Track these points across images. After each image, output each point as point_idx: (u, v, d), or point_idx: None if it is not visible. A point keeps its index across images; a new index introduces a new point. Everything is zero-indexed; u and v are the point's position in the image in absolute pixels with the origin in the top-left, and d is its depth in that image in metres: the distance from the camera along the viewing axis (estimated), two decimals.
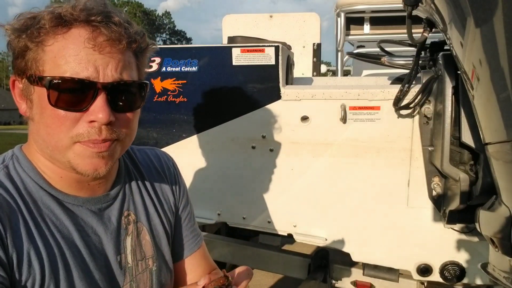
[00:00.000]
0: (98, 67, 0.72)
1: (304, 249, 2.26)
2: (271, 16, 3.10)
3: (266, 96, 1.63)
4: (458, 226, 1.54)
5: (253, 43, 1.66)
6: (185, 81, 1.67)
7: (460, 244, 1.59)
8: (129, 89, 0.77)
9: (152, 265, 0.92)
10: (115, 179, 0.89)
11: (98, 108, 0.73)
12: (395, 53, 1.83)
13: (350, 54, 2.49)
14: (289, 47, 1.81)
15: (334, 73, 4.48)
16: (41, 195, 0.78)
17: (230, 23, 3.10)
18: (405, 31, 1.40)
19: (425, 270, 1.62)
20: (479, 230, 1.05)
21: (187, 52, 1.67)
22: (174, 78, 1.66)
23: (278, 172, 1.68)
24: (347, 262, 1.88)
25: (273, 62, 1.61)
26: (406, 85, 1.48)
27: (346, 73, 4.49)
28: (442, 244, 1.59)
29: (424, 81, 1.47)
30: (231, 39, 1.78)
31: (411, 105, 1.49)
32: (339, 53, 3.24)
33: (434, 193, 1.52)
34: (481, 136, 0.96)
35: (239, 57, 1.63)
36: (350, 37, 3.30)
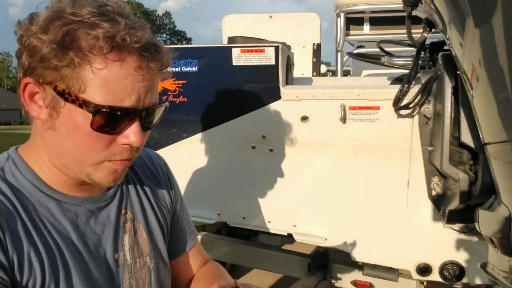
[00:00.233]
0: (141, 95, 0.75)
1: (304, 249, 2.26)
2: (271, 16, 3.10)
3: (266, 96, 1.64)
4: (457, 226, 1.54)
5: (253, 43, 1.66)
6: (185, 81, 1.67)
7: (459, 244, 1.59)
8: (159, 112, 0.82)
9: (149, 262, 0.93)
10: None
11: (134, 133, 0.76)
12: (395, 53, 1.83)
13: (350, 54, 2.49)
14: (289, 47, 1.81)
15: (334, 73, 4.48)
16: (38, 196, 0.78)
17: (230, 23, 3.10)
18: (404, 31, 1.40)
19: (424, 269, 1.62)
20: (478, 229, 1.05)
21: (187, 52, 1.67)
22: (174, 78, 1.67)
23: (278, 172, 1.69)
24: (347, 262, 1.88)
25: (273, 62, 1.61)
26: (406, 85, 1.49)
27: (346, 73, 4.49)
28: (442, 244, 1.60)
29: (423, 81, 1.47)
30: (231, 39, 1.78)
31: (411, 105, 1.50)
32: (339, 53, 3.24)
33: (433, 193, 1.52)
34: (481, 136, 0.96)
35: (239, 57, 1.63)
36: (349, 37, 3.31)
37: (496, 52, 0.79)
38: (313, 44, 3.05)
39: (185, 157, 1.73)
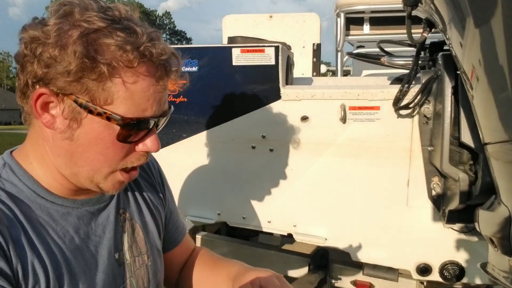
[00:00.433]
0: (161, 103, 0.76)
1: (304, 249, 2.26)
2: (271, 16, 3.10)
3: (266, 96, 1.64)
4: (457, 226, 1.54)
5: (253, 43, 1.66)
6: (185, 81, 1.67)
7: (459, 244, 1.59)
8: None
9: (147, 260, 0.94)
10: None
11: (152, 141, 0.78)
12: (395, 53, 1.83)
13: (350, 54, 2.49)
14: (289, 47, 1.81)
15: (334, 73, 4.48)
16: (39, 202, 0.77)
17: (230, 23, 3.10)
18: (404, 31, 1.40)
19: (424, 269, 1.62)
20: (478, 229, 1.06)
21: (187, 52, 1.67)
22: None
23: (278, 172, 1.69)
24: (347, 262, 1.88)
25: (273, 62, 1.61)
26: (406, 85, 1.49)
27: (346, 73, 4.49)
28: (442, 244, 1.60)
29: (423, 81, 1.47)
30: (231, 39, 1.78)
31: (411, 105, 1.50)
32: (339, 53, 3.24)
33: (433, 193, 1.52)
34: (481, 136, 0.96)
35: (239, 57, 1.63)
36: (350, 37, 3.31)
37: (496, 52, 0.79)
38: (313, 44, 3.05)
39: (185, 157, 1.73)
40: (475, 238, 1.55)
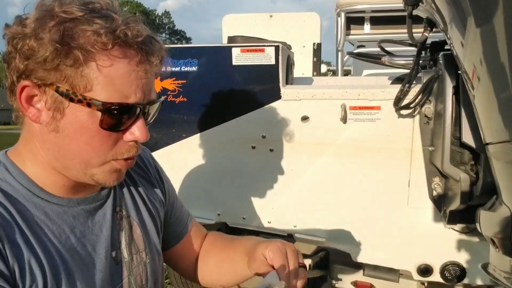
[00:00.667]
0: (144, 90, 0.75)
1: (304, 249, 2.26)
2: (271, 16, 3.10)
3: (266, 96, 1.63)
4: (458, 226, 1.54)
5: (253, 42, 1.66)
6: (185, 81, 1.66)
7: (460, 244, 1.58)
8: (156, 107, 0.82)
9: (145, 257, 0.94)
10: None
11: (139, 129, 0.76)
12: (396, 53, 1.83)
13: (351, 54, 2.49)
14: (289, 47, 1.81)
15: (334, 73, 4.48)
16: (34, 201, 0.77)
17: (230, 23, 3.10)
18: (405, 31, 1.40)
19: (425, 270, 1.62)
20: (479, 230, 1.05)
21: (187, 52, 1.66)
22: (174, 78, 1.66)
23: (278, 172, 1.68)
24: (347, 262, 1.88)
25: (273, 62, 1.60)
26: (407, 85, 1.48)
27: (346, 73, 4.49)
28: (443, 244, 1.59)
29: (424, 81, 1.47)
30: (231, 39, 1.78)
31: (412, 105, 1.49)
32: (339, 53, 3.24)
33: (434, 193, 1.51)
34: (482, 136, 0.96)
35: (239, 57, 1.62)
36: (350, 36, 3.30)
37: (497, 52, 0.79)
38: (314, 43, 3.04)
39: (185, 157, 1.73)
40: (476, 239, 1.54)
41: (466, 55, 0.95)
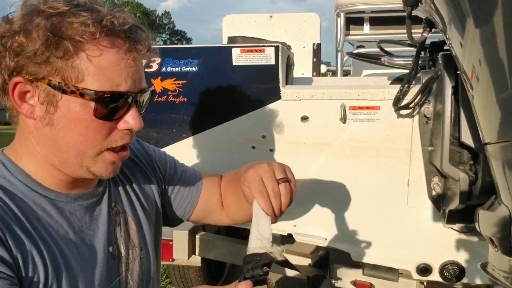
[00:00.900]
0: (135, 78, 0.76)
1: (304, 249, 2.26)
2: (271, 16, 3.10)
3: (266, 96, 1.64)
4: (457, 226, 1.54)
5: (253, 43, 1.66)
6: (185, 81, 1.67)
7: (459, 244, 1.59)
8: (147, 96, 0.83)
9: (140, 252, 0.95)
10: None
11: (133, 117, 0.77)
12: (395, 53, 1.83)
13: (350, 54, 2.49)
14: (289, 47, 1.81)
15: (334, 73, 4.49)
16: (32, 197, 0.78)
17: (230, 23, 3.10)
18: (404, 31, 1.40)
19: (424, 269, 1.62)
20: (478, 229, 1.05)
21: (187, 52, 1.67)
22: (174, 78, 1.67)
23: None
24: (347, 262, 1.88)
25: (273, 62, 1.61)
26: (406, 85, 1.48)
27: (346, 73, 4.49)
28: (442, 244, 1.59)
29: (423, 81, 1.47)
30: (231, 39, 1.78)
31: (411, 105, 1.50)
32: (339, 53, 3.24)
33: (433, 193, 1.52)
34: (481, 136, 0.96)
35: (239, 57, 1.63)
36: (350, 37, 3.31)
37: (496, 52, 0.79)
38: (313, 44, 3.05)
39: (185, 157, 1.72)
40: (475, 238, 1.55)
41: (465, 56, 0.95)
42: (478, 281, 1.61)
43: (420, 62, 1.53)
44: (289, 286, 3.22)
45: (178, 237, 2.09)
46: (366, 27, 3.26)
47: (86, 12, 0.71)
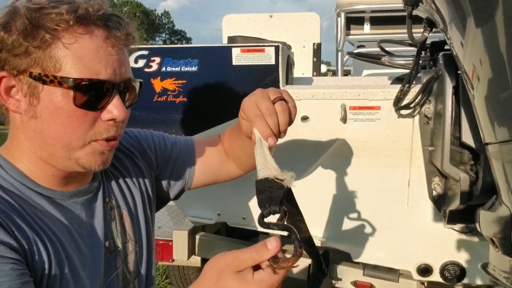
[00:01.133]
0: (115, 67, 0.75)
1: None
2: (271, 16, 3.10)
3: None
4: (458, 226, 1.54)
5: (253, 43, 1.66)
6: (185, 81, 1.66)
7: (460, 244, 1.58)
8: (133, 87, 0.82)
9: (136, 246, 0.95)
10: None
11: (117, 107, 0.76)
12: (395, 53, 1.83)
13: (350, 54, 2.49)
14: (289, 47, 1.81)
15: (334, 73, 4.49)
16: (28, 194, 0.78)
17: (230, 23, 3.10)
18: (405, 31, 1.40)
19: (425, 270, 1.62)
20: (479, 230, 1.05)
21: (187, 52, 1.66)
22: (174, 78, 1.66)
23: None
24: (347, 262, 1.88)
25: (273, 62, 1.60)
26: (407, 85, 1.48)
27: (346, 73, 4.49)
28: (442, 244, 1.59)
29: (424, 81, 1.47)
30: (231, 39, 1.78)
31: (412, 105, 1.49)
32: (339, 53, 3.24)
33: (434, 193, 1.51)
34: (481, 136, 0.96)
35: (239, 57, 1.62)
36: (350, 37, 3.31)
37: (497, 52, 0.79)
38: (313, 43, 3.05)
39: None
40: (476, 239, 1.55)
41: (465, 55, 0.95)
42: (479, 282, 1.61)
43: (420, 62, 1.53)
44: (289, 286, 3.22)
45: (178, 237, 2.09)
46: (367, 27, 3.26)
47: (65, 5, 0.73)
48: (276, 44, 1.61)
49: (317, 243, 1.71)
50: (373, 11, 3.16)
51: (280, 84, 1.61)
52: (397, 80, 1.76)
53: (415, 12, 1.34)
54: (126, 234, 0.94)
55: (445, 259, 1.60)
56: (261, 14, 3.12)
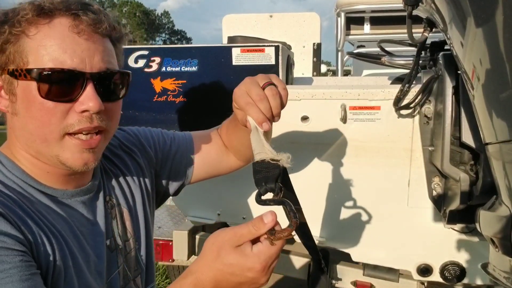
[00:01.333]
0: (84, 56, 0.73)
1: (304, 249, 2.26)
2: (271, 16, 3.10)
3: None
4: (458, 226, 1.54)
5: (253, 43, 1.66)
6: (185, 81, 1.66)
7: (460, 244, 1.58)
8: (114, 79, 0.79)
9: (136, 243, 0.96)
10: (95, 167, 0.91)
11: (89, 98, 0.74)
12: (395, 53, 1.83)
13: (350, 54, 2.49)
14: (289, 47, 1.81)
15: (334, 73, 4.49)
16: (31, 192, 0.78)
17: (230, 23, 3.10)
18: (405, 31, 1.40)
19: (425, 270, 1.62)
20: (479, 230, 1.05)
21: (187, 52, 1.66)
22: (174, 78, 1.66)
23: None
24: (347, 262, 1.88)
25: (273, 62, 1.60)
26: (406, 85, 1.48)
27: (346, 73, 4.49)
28: (442, 244, 1.59)
29: (424, 81, 1.47)
30: (231, 39, 1.78)
31: (412, 105, 1.49)
32: (339, 53, 3.24)
33: (434, 193, 1.51)
34: (482, 136, 0.96)
35: (239, 57, 1.62)
36: (350, 37, 3.31)
37: (497, 52, 0.79)
38: (313, 43, 3.05)
39: None
40: (476, 239, 1.54)
41: (465, 55, 0.95)
42: (479, 282, 1.61)
43: (420, 62, 1.53)
44: (289, 286, 3.22)
45: (178, 237, 2.09)
46: (367, 27, 3.27)
47: (35, 2, 0.73)
48: (276, 44, 1.61)
49: (317, 243, 1.70)
50: (373, 11, 3.16)
51: None
52: (397, 80, 1.76)
53: (415, 12, 1.34)
54: (127, 232, 0.94)
55: (445, 259, 1.60)
56: (261, 14, 3.12)
